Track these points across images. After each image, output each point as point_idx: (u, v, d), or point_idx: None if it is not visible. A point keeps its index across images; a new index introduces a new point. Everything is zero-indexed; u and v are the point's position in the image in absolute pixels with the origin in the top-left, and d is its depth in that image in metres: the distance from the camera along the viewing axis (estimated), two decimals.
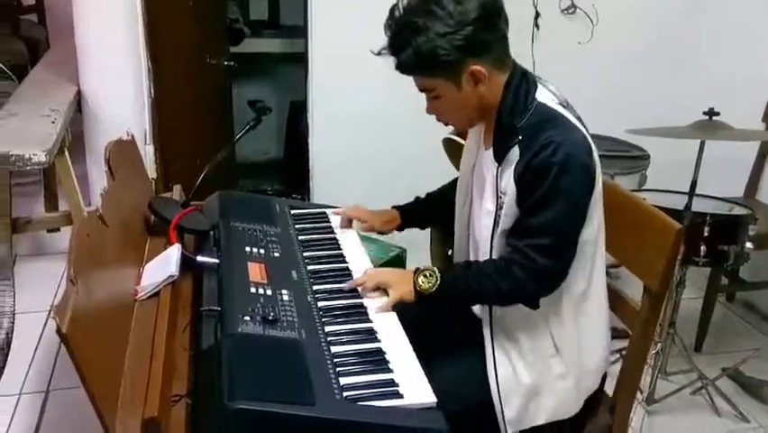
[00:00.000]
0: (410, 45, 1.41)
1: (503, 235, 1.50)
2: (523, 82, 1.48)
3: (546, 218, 1.41)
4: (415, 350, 1.39)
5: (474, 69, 1.43)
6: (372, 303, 1.52)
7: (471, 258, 1.65)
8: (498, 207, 1.49)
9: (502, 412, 1.51)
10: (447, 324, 1.69)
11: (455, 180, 1.77)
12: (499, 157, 1.48)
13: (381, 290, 1.55)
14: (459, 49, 1.39)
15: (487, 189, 1.54)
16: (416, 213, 1.89)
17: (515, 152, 1.45)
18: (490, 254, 1.52)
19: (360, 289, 1.56)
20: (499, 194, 1.48)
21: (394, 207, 1.88)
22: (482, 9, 1.40)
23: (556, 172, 1.38)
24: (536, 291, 1.47)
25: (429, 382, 1.30)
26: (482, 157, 1.60)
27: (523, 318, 1.51)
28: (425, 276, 1.52)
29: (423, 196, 1.91)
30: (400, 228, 1.87)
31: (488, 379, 1.52)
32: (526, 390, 1.52)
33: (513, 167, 1.44)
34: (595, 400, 1.63)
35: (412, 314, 1.52)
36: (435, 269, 1.53)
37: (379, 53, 1.48)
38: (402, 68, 1.46)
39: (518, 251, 1.45)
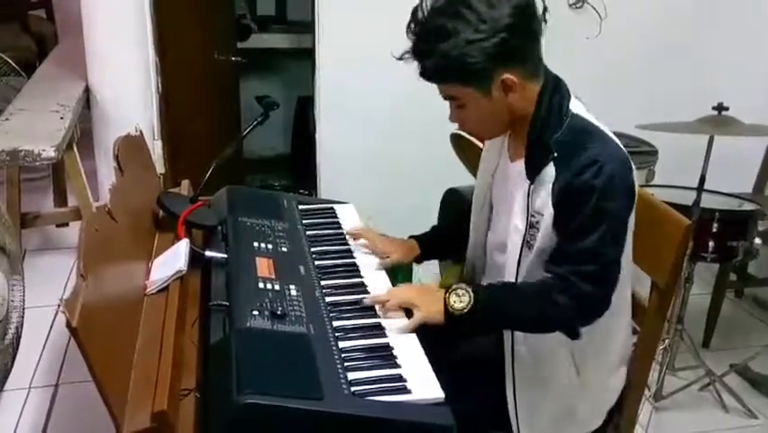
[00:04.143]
0: (436, 52, 1.29)
1: (537, 254, 1.40)
2: (557, 91, 1.38)
3: (589, 244, 1.31)
4: (430, 362, 1.33)
5: (506, 78, 1.31)
6: (391, 323, 1.41)
7: (488, 265, 1.60)
8: (529, 226, 1.39)
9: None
10: (465, 337, 1.62)
11: (470, 208, 1.67)
12: (532, 175, 1.37)
13: (405, 309, 1.43)
14: (490, 57, 1.28)
15: (516, 206, 1.43)
16: (435, 245, 1.76)
17: (550, 170, 1.34)
18: (517, 272, 1.43)
19: (378, 307, 1.45)
20: (532, 213, 1.38)
21: (411, 236, 1.75)
22: (517, 13, 1.27)
23: (599, 196, 1.29)
24: (580, 319, 1.37)
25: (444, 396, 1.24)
26: (507, 169, 1.50)
27: (545, 342, 1.44)
28: (458, 294, 1.38)
29: (437, 225, 1.78)
30: (419, 260, 1.74)
31: (505, 400, 1.48)
32: (545, 413, 1.49)
33: (549, 186, 1.34)
34: (615, 410, 1.59)
35: (429, 326, 1.42)
36: (468, 287, 1.40)
37: (401, 58, 1.35)
38: (427, 75, 1.34)
39: (561, 278, 1.35)
